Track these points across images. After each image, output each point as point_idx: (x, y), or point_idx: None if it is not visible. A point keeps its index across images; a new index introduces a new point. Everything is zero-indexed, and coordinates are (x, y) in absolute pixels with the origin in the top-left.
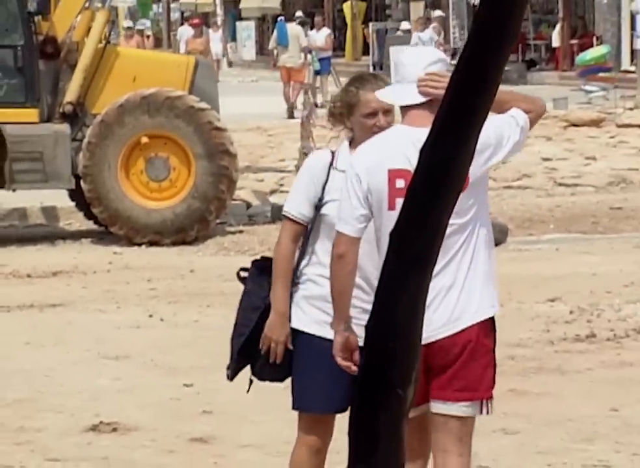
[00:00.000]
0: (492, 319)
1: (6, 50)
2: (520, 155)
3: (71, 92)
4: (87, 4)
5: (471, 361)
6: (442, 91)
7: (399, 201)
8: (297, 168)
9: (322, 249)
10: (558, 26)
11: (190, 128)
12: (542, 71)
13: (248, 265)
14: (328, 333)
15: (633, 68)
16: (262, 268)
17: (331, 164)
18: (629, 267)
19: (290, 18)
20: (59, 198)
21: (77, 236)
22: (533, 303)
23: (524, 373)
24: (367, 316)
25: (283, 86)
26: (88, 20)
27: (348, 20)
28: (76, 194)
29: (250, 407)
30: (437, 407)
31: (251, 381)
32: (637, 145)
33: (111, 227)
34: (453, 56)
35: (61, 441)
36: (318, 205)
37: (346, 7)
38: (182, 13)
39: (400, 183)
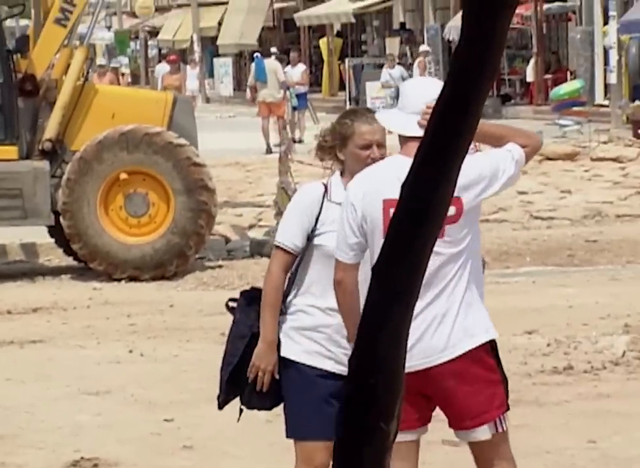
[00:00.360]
0: (491, 341)
1: None
2: None
3: (50, 129)
4: (66, 42)
5: (475, 384)
6: None
7: None
8: (275, 203)
9: (313, 279)
10: (532, 61)
11: (169, 164)
12: (516, 106)
13: (237, 296)
14: (319, 363)
15: (606, 102)
16: (250, 299)
17: (324, 196)
18: (605, 299)
19: (267, 54)
20: (38, 234)
21: (56, 272)
22: (511, 336)
23: None
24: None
25: (261, 122)
26: (66, 58)
27: (324, 56)
28: (55, 231)
29: (230, 442)
30: (461, 436)
31: (241, 410)
32: (611, 179)
33: (90, 263)
34: None
35: None
36: (310, 236)
37: (322, 43)
38: (160, 50)
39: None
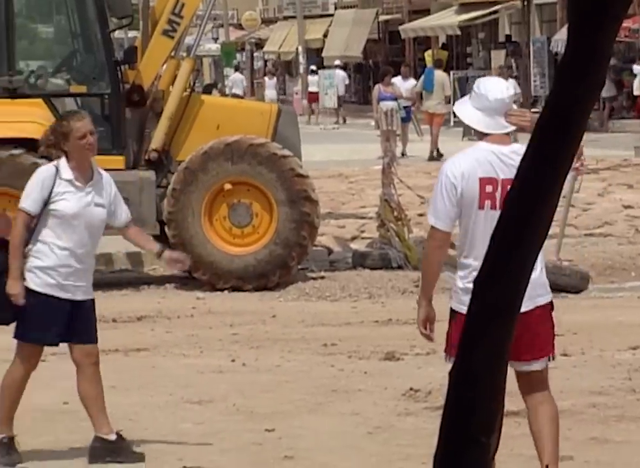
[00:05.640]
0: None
1: (94, 98)
2: (601, 202)
3: (156, 139)
4: (173, 53)
5: (545, 327)
6: (526, 124)
7: (487, 203)
8: (378, 214)
9: (46, 233)
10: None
11: (273, 175)
12: (623, 119)
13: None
14: (54, 292)
15: None
16: (1, 243)
17: (56, 174)
18: None
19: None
20: None
21: (161, 281)
22: (615, 351)
23: (606, 421)
24: None
25: (429, 129)
26: (173, 69)
27: (428, 67)
28: (160, 240)
29: (331, 453)
30: (518, 366)
31: None
32: None
33: (194, 273)
34: (533, 104)
35: None
36: (47, 202)
37: (427, 55)
38: (265, 61)
39: (489, 188)
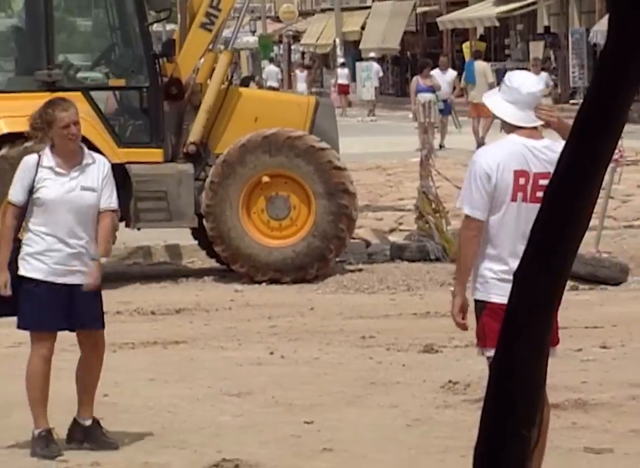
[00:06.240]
0: None
1: (132, 91)
2: None
3: (194, 132)
4: (211, 46)
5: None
6: (554, 119)
7: (519, 195)
8: (416, 207)
9: (33, 221)
10: None
11: (311, 167)
12: None
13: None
14: (47, 277)
15: None
16: None
17: (38, 162)
18: None
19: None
20: (182, 236)
21: (199, 274)
22: None
23: None
24: None
25: (472, 122)
26: (211, 62)
27: (467, 60)
28: (199, 233)
29: (370, 446)
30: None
31: None
32: None
33: (233, 265)
34: (571, 96)
35: None
36: (31, 190)
37: (465, 47)
38: (302, 54)
39: (522, 181)
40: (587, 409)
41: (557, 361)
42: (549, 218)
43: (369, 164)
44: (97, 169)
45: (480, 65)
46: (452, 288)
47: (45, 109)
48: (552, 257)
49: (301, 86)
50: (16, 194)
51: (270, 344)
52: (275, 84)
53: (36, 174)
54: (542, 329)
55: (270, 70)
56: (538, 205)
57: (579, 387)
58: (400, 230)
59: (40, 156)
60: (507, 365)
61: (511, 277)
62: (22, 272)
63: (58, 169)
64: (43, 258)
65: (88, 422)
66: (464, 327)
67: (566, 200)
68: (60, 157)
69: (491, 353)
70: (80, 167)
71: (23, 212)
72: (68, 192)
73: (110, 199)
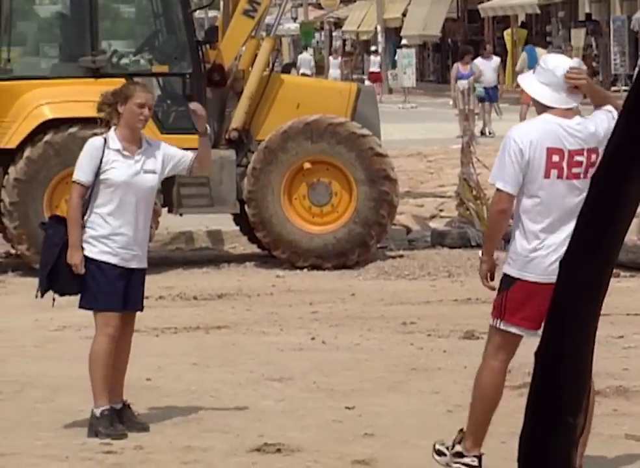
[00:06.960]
0: None
1: (176, 78)
2: None
3: (236, 119)
4: (253, 33)
5: None
6: (584, 82)
7: (553, 172)
8: (457, 193)
9: (98, 203)
10: None
11: (352, 154)
12: None
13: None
14: (110, 260)
15: None
16: (58, 219)
17: (104, 144)
18: None
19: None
20: (224, 222)
21: (241, 259)
22: None
23: None
24: None
25: (520, 108)
26: (254, 48)
27: (508, 47)
28: (240, 219)
29: (411, 431)
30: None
31: (54, 299)
32: None
33: (274, 251)
34: (613, 82)
35: (227, 460)
36: (98, 173)
37: (506, 34)
38: (344, 41)
39: (555, 158)
40: (629, 397)
41: (599, 347)
42: (597, 200)
43: (410, 150)
44: (155, 152)
45: (542, 53)
46: (480, 255)
47: (127, 85)
48: (599, 242)
49: (334, 72)
50: (84, 174)
51: (312, 330)
52: (308, 72)
53: (103, 156)
54: (589, 316)
55: (304, 58)
56: (574, 182)
57: (621, 374)
58: (441, 217)
59: (105, 139)
60: (554, 352)
61: (544, 253)
62: (88, 253)
63: (125, 152)
64: (107, 241)
65: (119, 406)
66: (491, 288)
67: (615, 183)
68: (125, 140)
69: (507, 327)
70: (142, 150)
71: (88, 194)
72: (135, 174)
73: (186, 154)
